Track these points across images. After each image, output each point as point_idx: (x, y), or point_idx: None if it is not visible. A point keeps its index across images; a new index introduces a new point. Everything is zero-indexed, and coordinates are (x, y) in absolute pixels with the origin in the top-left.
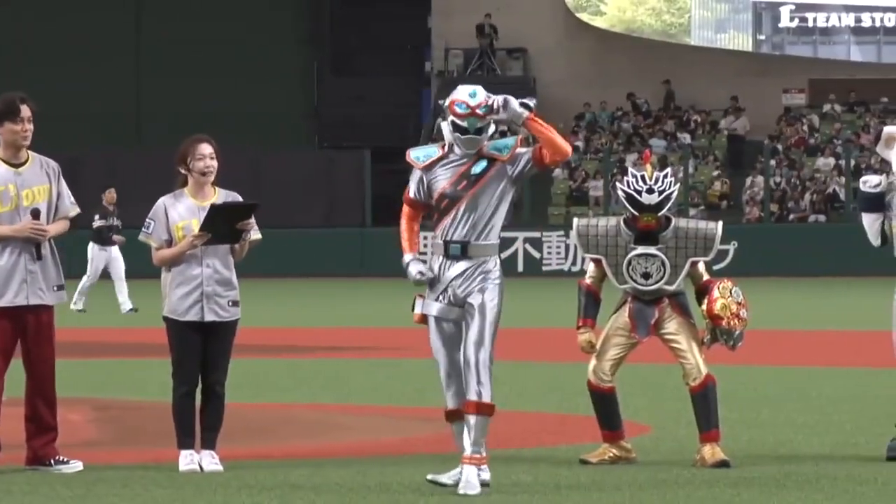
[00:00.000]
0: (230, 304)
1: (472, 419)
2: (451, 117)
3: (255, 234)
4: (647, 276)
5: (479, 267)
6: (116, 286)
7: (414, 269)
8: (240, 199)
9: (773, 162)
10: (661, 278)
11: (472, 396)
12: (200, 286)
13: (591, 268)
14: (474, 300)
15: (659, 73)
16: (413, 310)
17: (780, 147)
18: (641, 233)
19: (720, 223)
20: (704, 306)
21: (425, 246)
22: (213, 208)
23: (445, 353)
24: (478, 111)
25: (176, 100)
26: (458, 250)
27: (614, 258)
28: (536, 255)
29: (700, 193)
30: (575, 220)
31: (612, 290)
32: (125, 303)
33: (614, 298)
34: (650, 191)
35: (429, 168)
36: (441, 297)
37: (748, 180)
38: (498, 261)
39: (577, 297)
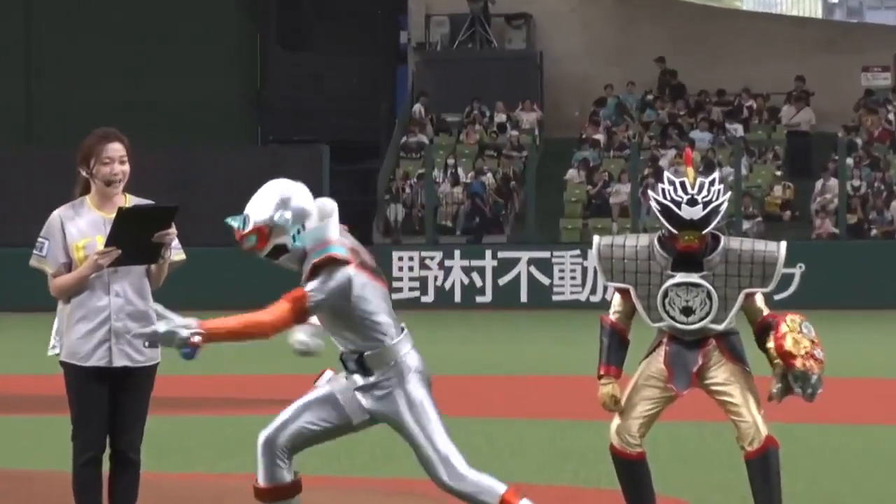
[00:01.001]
0: (146, 343)
1: None
2: None
3: (178, 254)
4: (688, 311)
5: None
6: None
7: None
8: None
9: (849, 160)
10: (707, 314)
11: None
12: (108, 322)
13: (616, 300)
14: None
15: (702, 47)
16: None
17: (858, 141)
18: (681, 256)
19: (783, 243)
20: (771, 344)
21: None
22: (122, 213)
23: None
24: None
25: (77, 85)
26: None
27: (646, 288)
28: (545, 280)
29: (756, 201)
30: (595, 238)
31: (643, 328)
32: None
33: (646, 339)
34: (692, 202)
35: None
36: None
37: (818, 184)
38: None
39: (599, 338)
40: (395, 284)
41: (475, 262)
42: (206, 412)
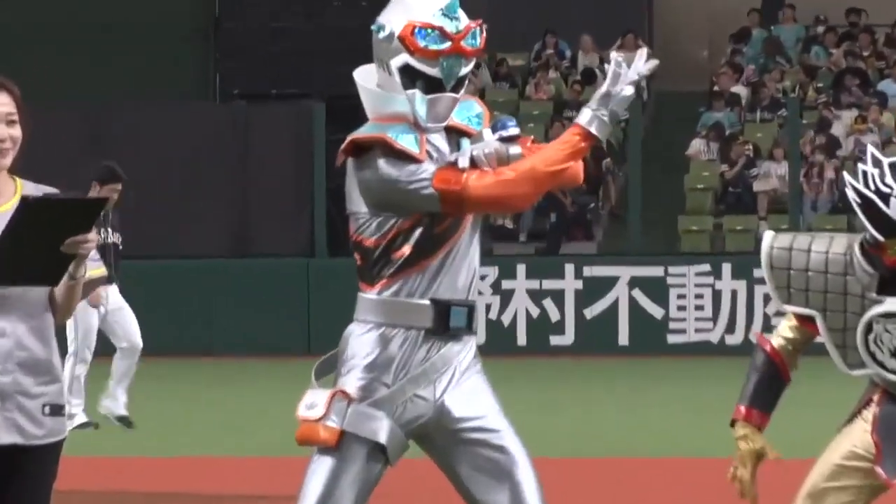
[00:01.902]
0: (46, 410)
1: None
2: (402, 55)
3: (96, 268)
4: None
5: (474, 352)
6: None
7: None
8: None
9: None
10: None
11: None
12: None
13: (788, 324)
14: (497, 421)
15: None
16: (317, 412)
17: None
18: (892, 273)
19: None
20: None
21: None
22: (28, 206)
23: None
24: (463, 44)
25: None
26: (464, 319)
27: (841, 316)
28: (656, 312)
29: None
30: (767, 236)
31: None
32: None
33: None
34: None
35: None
36: (403, 406)
37: None
38: None
39: (748, 369)
40: None
41: (549, 284)
42: None
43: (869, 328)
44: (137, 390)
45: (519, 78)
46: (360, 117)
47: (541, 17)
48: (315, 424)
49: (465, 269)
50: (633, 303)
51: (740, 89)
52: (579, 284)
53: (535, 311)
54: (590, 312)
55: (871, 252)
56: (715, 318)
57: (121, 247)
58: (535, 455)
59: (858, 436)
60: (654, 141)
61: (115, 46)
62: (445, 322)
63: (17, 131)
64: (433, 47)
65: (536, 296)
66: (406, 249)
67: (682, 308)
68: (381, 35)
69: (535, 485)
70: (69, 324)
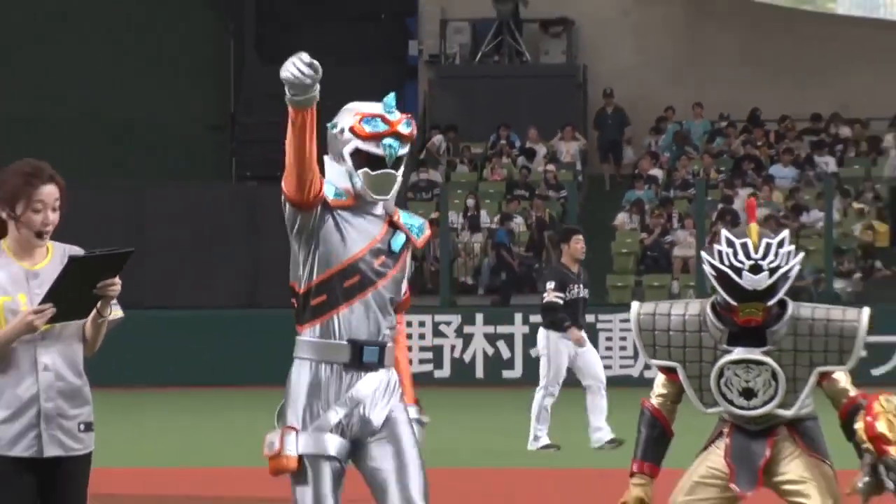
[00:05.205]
0: (81, 427)
1: None
2: (352, 142)
3: (117, 311)
4: (749, 394)
5: (390, 380)
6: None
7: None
8: (82, 253)
9: None
10: (772, 398)
11: None
12: (36, 402)
13: (660, 381)
14: (401, 429)
15: (785, 60)
16: (275, 448)
17: None
18: (740, 329)
19: (866, 310)
20: (860, 425)
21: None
22: (75, 264)
23: None
24: (401, 129)
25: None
26: (376, 356)
27: (697, 366)
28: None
29: (851, 253)
30: (634, 305)
31: (695, 415)
32: (601, 429)
33: (700, 428)
34: (756, 268)
35: (333, 208)
36: (341, 426)
37: None
38: None
39: (637, 427)
40: None
41: (501, 329)
42: None
43: (721, 374)
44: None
45: (478, 162)
46: None
47: (496, 115)
48: (278, 458)
49: (380, 317)
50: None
51: (657, 172)
52: (526, 329)
53: (490, 351)
54: (534, 352)
55: (723, 313)
56: (635, 356)
57: (587, 299)
58: (495, 467)
59: (713, 460)
60: (587, 214)
61: (149, 138)
62: (359, 358)
63: (58, 216)
64: (377, 130)
65: (492, 338)
66: (322, 298)
67: (609, 348)
68: (335, 130)
69: (419, 473)
70: (542, 361)
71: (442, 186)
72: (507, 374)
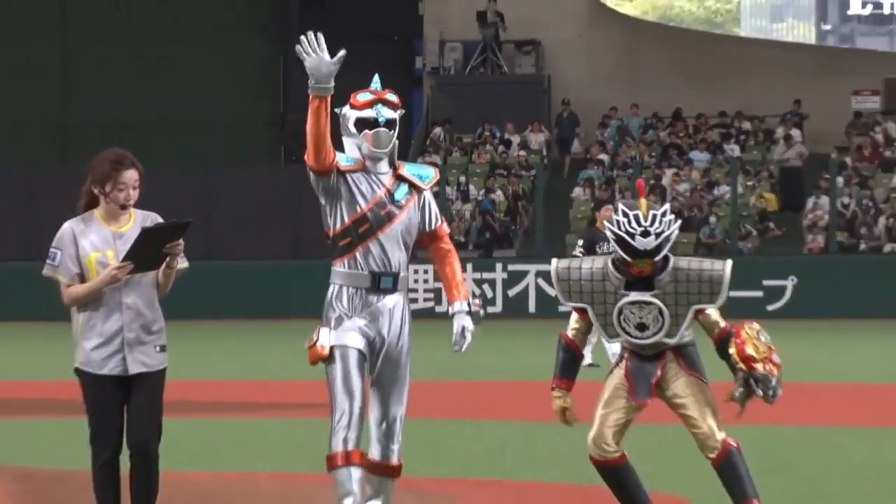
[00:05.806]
0: (157, 348)
1: (389, 482)
2: (352, 115)
3: (183, 262)
4: (642, 327)
5: (404, 304)
6: None
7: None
8: (160, 220)
9: (840, 179)
10: (659, 330)
11: (394, 459)
12: (121, 333)
13: (574, 318)
14: (399, 348)
15: (701, 72)
16: (316, 343)
17: (848, 162)
18: (634, 279)
19: (728, 262)
20: (732, 350)
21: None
22: (146, 233)
23: (362, 388)
24: (387, 97)
25: (105, 104)
26: (391, 283)
27: (602, 307)
28: (552, 293)
29: (749, 219)
30: (553, 261)
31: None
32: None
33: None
34: (645, 233)
35: (345, 172)
36: (363, 331)
37: (810, 202)
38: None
39: (556, 352)
40: (411, 296)
41: (486, 275)
42: (227, 415)
43: (620, 312)
44: None
45: (468, 149)
46: None
47: (481, 113)
48: (314, 348)
49: (396, 253)
50: (538, 287)
51: (604, 156)
52: (505, 275)
53: (477, 292)
54: (511, 293)
55: (621, 266)
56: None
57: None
58: (490, 379)
59: (619, 377)
60: (551, 188)
61: (217, 132)
62: (377, 284)
63: (138, 192)
64: (367, 99)
65: (479, 282)
66: (346, 240)
67: None
68: (341, 113)
69: (403, 393)
70: None
71: (441, 167)
72: (490, 309)
